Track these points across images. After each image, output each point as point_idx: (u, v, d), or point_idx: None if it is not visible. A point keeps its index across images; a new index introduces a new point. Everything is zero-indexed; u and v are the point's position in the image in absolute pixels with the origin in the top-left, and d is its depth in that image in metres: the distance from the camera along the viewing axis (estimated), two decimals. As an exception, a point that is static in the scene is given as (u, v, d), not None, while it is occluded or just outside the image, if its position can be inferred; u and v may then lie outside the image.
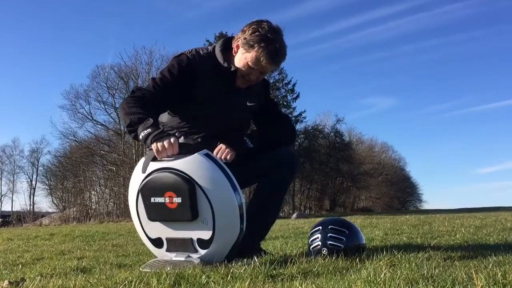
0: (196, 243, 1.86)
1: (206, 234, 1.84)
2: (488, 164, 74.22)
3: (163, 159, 1.85)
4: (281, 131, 2.35)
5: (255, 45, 2.06)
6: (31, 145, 36.89)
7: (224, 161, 2.13)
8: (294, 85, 28.18)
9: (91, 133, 26.84)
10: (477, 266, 1.50)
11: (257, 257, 1.95)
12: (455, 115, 58.67)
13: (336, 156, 30.45)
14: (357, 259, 1.79)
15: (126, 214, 22.21)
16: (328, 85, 52.13)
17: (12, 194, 34.59)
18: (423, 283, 1.22)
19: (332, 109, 58.53)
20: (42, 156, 33.25)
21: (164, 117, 2.24)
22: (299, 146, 28.16)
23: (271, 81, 27.36)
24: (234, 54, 2.16)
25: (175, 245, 1.89)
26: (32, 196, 32.30)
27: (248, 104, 2.25)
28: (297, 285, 1.32)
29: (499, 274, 1.25)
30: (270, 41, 2.06)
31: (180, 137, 2.23)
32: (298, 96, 28.35)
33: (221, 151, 2.11)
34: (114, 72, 25.73)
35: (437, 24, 55.03)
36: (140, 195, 1.89)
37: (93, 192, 27.48)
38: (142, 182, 1.88)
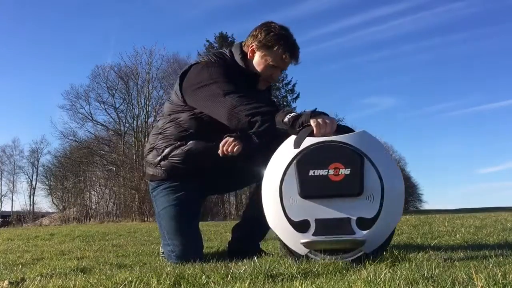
0: (354, 223, 1.69)
1: (370, 212, 1.68)
2: (488, 164, 74.40)
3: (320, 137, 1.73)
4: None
5: (275, 44, 2.13)
6: (31, 145, 36.93)
7: (230, 154, 2.12)
8: (294, 85, 28.25)
9: (91, 133, 26.91)
10: (477, 266, 1.50)
11: (257, 257, 1.95)
12: (455, 115, 58.80)
13: (336, 156, 30.43)
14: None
15: (126, 214, 22.23)
16: (328, 85, 52.19)
17: (12, 194, 34.69)
18: (423, 283, 1.22)
19: (332, 109, 58.46)
20: (42, 156, 33.33)
21: (183, 116, 2.23)
22: (299, 146, 28.14)
23: (271, 81, 27.35)
24: (249, 59, 2.19)
25: (326, 227, 1.69)
26: (32, 196, 32.37)
27: None
28: (297, 285, 1.32)
29: (499, 274, 1.25)
30: (287, 38, 2.15)
31: (196, 139, 2.22)
32: (298, 96, 28.43)
33: (228, 143, 2.11)
34: (114, 72, 25.82)
35: (438, 23, 55.13)
36: (293, 169, 1.71)
37: (93, 192, 27.48)
38: (297, 155, 1.72)
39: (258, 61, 2.18)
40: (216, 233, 5.22)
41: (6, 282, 1.66)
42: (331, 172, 1.67)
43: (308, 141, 1.73)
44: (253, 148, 2.15)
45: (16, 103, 48.04)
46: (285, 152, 1.76)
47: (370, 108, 58.43)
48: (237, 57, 2.21)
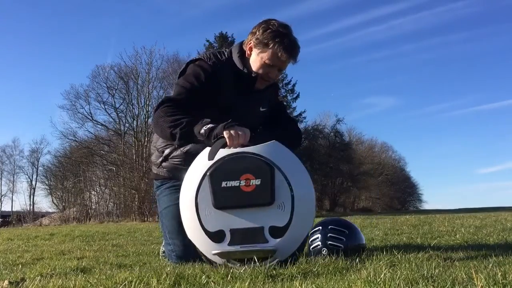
0: (267, 232, 1.73)
1: (281, 221, 1.73)
2: (488, 164, 74.39)
3: (233, 148, 1.78)
4: (287, 134, 2.33)
5: (270, 42, 2.08)
6: (31, 145, 36.98)
7: None
8: (294, 85, 28.15)
9: (91, 133, 26.83)
10: (477, 266, 1.50)
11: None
12: (455, 115, 58.80)
13: (336, 156, 30.43)
14: (357, 259, 1.79)
15: (126, 214, 22.21)
16: (328, 85, 52.19)
17: (12, 194, 34.68)
18: (423, 283, 1.22)
19: (332, 109, 58.50)
20: (42, 156, 33.32)
21: None
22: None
23: (271, 81, 27.34)
24: (248, 57, 2.16)
25: (240, 236, 1.74)
26: (32, 196, 32.36)
27: (261, 109, 2.25)
28: (297, 285, 1.32)
29: (499, 274, 1.25)
30: (284, 36, 2.08)
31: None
32: (298, 96, 28.33)
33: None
34: (114, 72, 25.73)
35: (438, 23, 55.15)
36: (206, 181, 1.76)
37: (93, 192, 27.45)
38: (210, 168, 1.76)
39: (254, 59, 2.13)
40: (216, 233, 5.22)
41: (6, 282, 1.66)
42: (243, 183, 1.73)
43: (222, 153, 1.78)
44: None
45: (16, 103, 48.05)
46: (200, 164, 1.81)
47: (370, 108, 58.47)
48: (235, 56, 2.18)
